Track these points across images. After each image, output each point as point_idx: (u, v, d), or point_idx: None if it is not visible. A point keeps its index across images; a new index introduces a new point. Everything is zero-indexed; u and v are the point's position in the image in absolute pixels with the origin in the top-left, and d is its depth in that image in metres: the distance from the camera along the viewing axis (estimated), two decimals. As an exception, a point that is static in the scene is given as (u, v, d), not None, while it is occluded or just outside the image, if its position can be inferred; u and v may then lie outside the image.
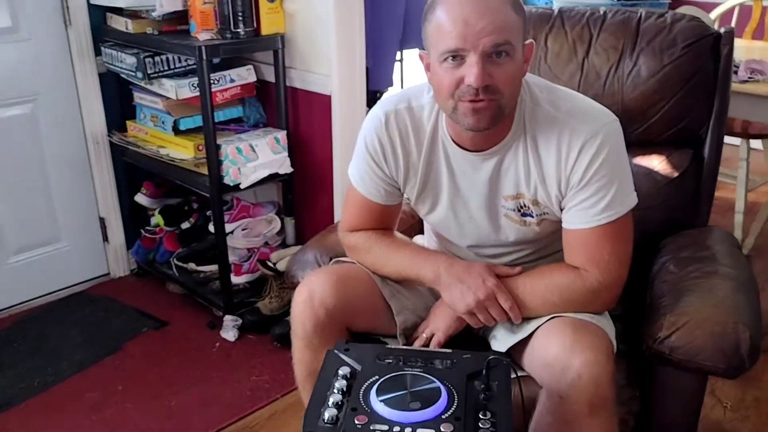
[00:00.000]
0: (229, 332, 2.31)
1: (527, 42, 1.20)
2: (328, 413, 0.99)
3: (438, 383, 1.03)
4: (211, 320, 2.40)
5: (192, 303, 2.51)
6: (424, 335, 1.35)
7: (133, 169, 2.59)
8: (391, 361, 1.12)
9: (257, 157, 2.21)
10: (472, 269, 1.29)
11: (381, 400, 1.00)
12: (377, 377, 1.06)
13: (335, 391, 1.04)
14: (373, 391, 1.02)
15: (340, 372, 1.08)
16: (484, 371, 1.05)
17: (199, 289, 2.47)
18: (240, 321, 2.33)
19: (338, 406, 1.01)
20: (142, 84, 2.28)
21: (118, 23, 2.33)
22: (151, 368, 2.17)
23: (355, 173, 1.40)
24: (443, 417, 0.97)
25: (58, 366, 2.18)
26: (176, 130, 2.29)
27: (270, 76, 2.32)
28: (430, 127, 1.31)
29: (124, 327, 2.40)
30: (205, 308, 2.45)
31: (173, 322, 2.43)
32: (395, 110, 1.32)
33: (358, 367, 1.10)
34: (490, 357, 1.06)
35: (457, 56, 1.13)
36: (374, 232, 1.42)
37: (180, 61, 2.24)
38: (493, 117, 1.16)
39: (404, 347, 1.18)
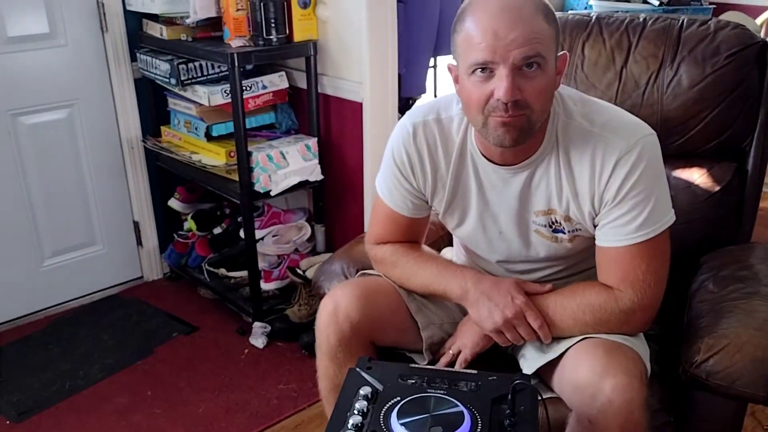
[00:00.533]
0: (258, 339, 2.31)
1: (561, 53, 1.16)
2: (347, 436, 0.96)
3: (461, 407, 1.00)
4: (240, 326, 2.40)
5: (222, 308, 2.51)
6: (451, 352, 1.32)
7: (166, 175, 2.61)
8: (414, 381, 1.09)
9: (288, 164, 2.20)
10: (500, 286, 1.25)
11: (402, 424, 0.97)
12: (399, 398, 1.03)
13: (355, 412, 1.01)
14: (394, 414, 0.99)
15: (361, 392, 1.05)
16: (509, 395, 1.01)
17: (229, 294, 2.47)
18: (269, 328, 2.33)
19: (358, 428, 0.98)
20: (176, 90, 2.29)
21: (154, 29, 2.34)
22: (180, 373, 2.18)
23: (383, 185, 1.37)
24: (466, 443, 0.94)
25: (89, 369, 2.20)
26: (209, 137, 2.30)
27: (302, 82, 2.31)
28: (459, 139, 1.28)
29: (155, 331, 2.41)
30: (235, 314, 2.45)
31: (203, 327, 2.43)
32: (423, 122, 1.30)
33: (379, 387, 1.07)
34: (516, 381, 1.02)
35: (486, 69, 1.09)
36: (401, 245, 1.39)
37: (213, 68, 2.25)
38: (522, 132, 1.13)
39: (428, 367, 1.15)
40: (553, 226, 1.26)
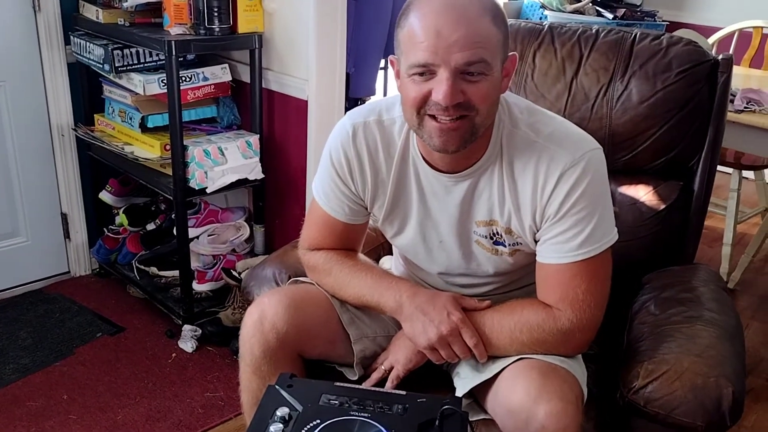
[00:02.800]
0: (187, 342, 2.20)
1: (510, 54, 1.10)
2: (258, 462, 0.88)
3: (385, 432, 0.93)
4: (169, 328, 2.28)
5: (152, 309, 2.39)
6: (383, 368, 1.26)
7: (98, 165, 2.47)
8: (337, 402, 1.01)
9: (226, 161, 2.10)
10: (436, 301, 1.19)
11: (319, 450, 0.89)
12: (318, 422, 0.95)
13: (270, 435, 0.93)
14: (311, 439, 0.91)
15: (278, 413, 0.97)
16: (437, 421, 0.94)
17: (159, 294, 2.35)
18: (200, 331, 2.22)
19: (270, 454, 0.90)
20: (110, 77, 2.17)
21: (90, 12, 2.22)
22: (101, 377, 2.05)
23: (319, 188, 1.30)
24: (386, 474, 0.87)
25: (2, 370, 2.05)
26: (144, 128, 2.18)
27: (246, 76, 2.21)
28: (401, 143, 1.21)
29: (78, 330, 2.28)
30: (165, 315, 2.33)
31: (130, 328, 2.31)
32: (364, 123, 1.22)
33: (299, 408, 0.99)
34: (445, 405, 0.96)
35: (426, 72, 1.03)
36: (336, 253, 1.32)
37: (151, 56, 2.13)
38: (464, 138, 1.07)
39: (353, 386, 1.08)
40: (494, 238, 1.20)
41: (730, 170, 2.66)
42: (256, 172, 2.21)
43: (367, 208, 1.28)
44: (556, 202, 1.10)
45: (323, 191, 1.29)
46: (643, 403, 1.13)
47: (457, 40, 1.00)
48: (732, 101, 2.22)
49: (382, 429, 0.93)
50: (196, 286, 2.28)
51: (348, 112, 1.27)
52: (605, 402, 1.27)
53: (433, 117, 1.06)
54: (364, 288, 1.26)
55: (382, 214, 1.27)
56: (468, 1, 1.02)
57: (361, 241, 1.37)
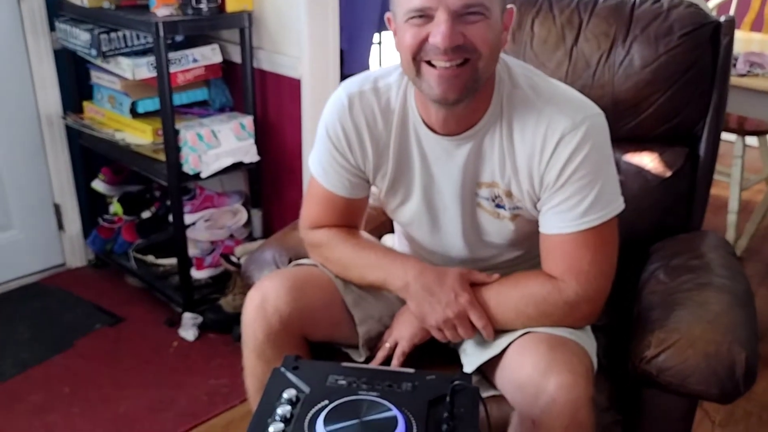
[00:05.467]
0: (188, 331, 2.17)
1: (508, 7, 1.06)
2: (266, 447, 0.85)
3: (395, 410, 0.90)
4: (169, 317, 2.25)
5: (151, 298, 2.36)
6: (388, 345, 1.23)
7: (90, 154, 2.43)
8: (344, 382, 0.98)
9: (220, 144, 2.06)
10: (444, 280, 1.15)
11: (329, 431, 0.86)
12: (326, 402, 0.93)
13: (277, 418, 0.91)
14: (320, 420, 0.89)
15: (285, 395, 0.95)
16: (448, 397, 0.92)
17: (157, 283, 2.32)
18: (200, 319, 2.19)
19: (279, 437, 0.87)
20: (97, 62, 2.12)
21: (74, -4, 2.16)
22: (101, 369, 2.03)
23: (317, 164, 1.26)
24: (398, 452, 0.84)
25: (1, 365, 2.02)
26: (134, 113, 2.14)
27: (237, 56, 2.16)
28: (398, 106, 1.17)
29: (76, 322, 2.25)
30: (164, 304, 2.30)
31: (129, 318, 2.28)
32: (360, 92, 1.18)
33: (306, 390, 0.96)
34: (456, 381, 0.93)
35: (423, 15, 0.99)
36: (339, 230, 1.28)
37: (138, 39, 2.08)
38: (465, 86, 1.03)
39: (360, 366, 1.05)
40: (495, 201, 1.17)
41: (733, 138, 2.63)
42: (251, 155, 2.17)
43: (368, 181, 1.25)
44: (556, 168, 1.07)
45: (322, 167, 1.25)
46: (656, 372, 1.11)
47: None
48: (734, 65, 2.19)
49: (392, 407, 0.91)
50: (195, 273, 2.25)
51: (342, 83, 1.22)
52: (617, 373, 1.25)
53: (431, 64, 1.02)
54: (368, 266, 1.23)
55: (385, 185, 1.23)
56: None
57: (362, 218, 1.34)
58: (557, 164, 1.07)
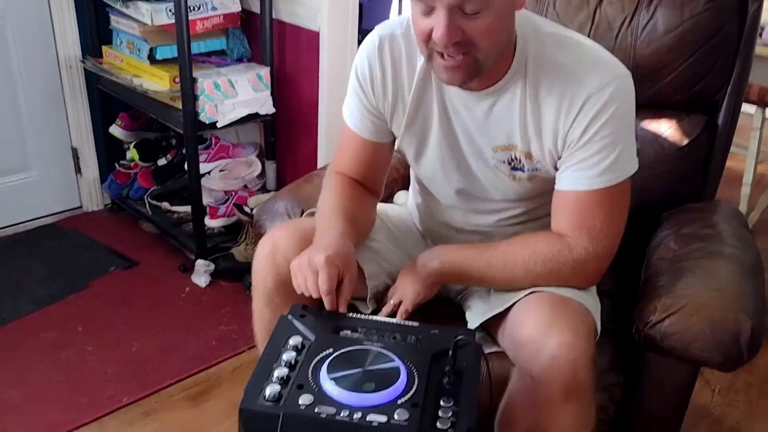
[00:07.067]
0: (200, 277, 2.20)
1: None
2: (270, 389, 0.87)
3: (398, 362, 0.92)
4: (182, 263, 2.28)
5: (165, 244, 2.39)
6: (392, 302, 1.24)
7: (108, 99, 2.43)
8: (349, 333, 1.00)
9: (236, 94, 2.06)
10: (315, 252, 1.09)
11: (332, 378, 0.89)
12: (331, 351, 0.94)
13: (282, 363, 0.93)
14: (324, 368, 0.91)
15: (291, 342, 0.97)
16: (450, 351, 0.93)
17: (172, 230, 2.35)
18: (212, 266, 2.22)
19: (283, 381, 0.89)
20: (117, 6, 2.11)
21: (95, -62, 2.14)
22: (115, 310, 2.07)
23: (346, 105, 1.28)
24: (399, 402, 0.86)
25: (17, 302, 2.07)
26: (152, 59, 2.13)
27: (256, 6, 2.14)
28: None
29: (91, 264, 2.29)
30: (178, 251, 2.34)
31: (143, 262, 2.31)
32: (391, 35, 1.19)
33: (311, 338, 0.98)
34: (459, 336, 0.94)
35: (426, 7, 0.99)
36: (343, 180, 1.28)
37: (158, -17, 2.06)
38: (468, 74, 1.04)
39: (365, 317, 1.07)
40: (512, 163, 1.17)
41: (752, 110, 2.58)
42: (267, 107, 2.17)
43: (388, 124, 1.25)
44: (581, 126, 1.06)
45: (349, 108, 1.27)
46: (660, 337, 1.11)
47: None
48: (761, 34, 2.14)
49: (396, 358, 0.92)
50: (209, 222, 2.28)
51: (377, 26, 1.23)
52: (620, 338, 1.27)
53: (440, 53, 1.03)
54: (318, 218, 1.23)
55: (401, 130, 1.23)
56: None
57: (384, 170, 1.34)
58: (583, 122, 1.06)
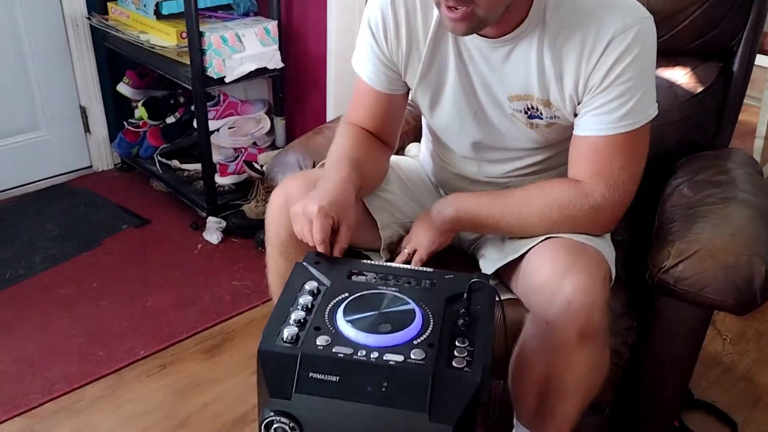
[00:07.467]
0: (212, 234, 2.21)
1: None
2: (288, 331, 0.88)
3: (413, 305, 0.93)
4: (194, 221, 2.29)
5: (176, 202, 2.40)
6: (406, 251, 1.24)
7: (115, 57, 2.42)
8: (364, 278, 1.01)
9: (244, 48, 2.04)
10: (311, 201, 1.08)
11: (348, 321, 0.89)
12: (347, 295, 0.95)
13: (299, 307, 0.93)
14: (340, 310, 0.91)
15: (307, 287, 0.97)
16: (465, 294, 0.94)
17: (182, 188, 2.35)
18: (224, 224, 2.23)
19: (300, 324, 0.90)
20: (122, -40, 2.08)
21: None
22: (128, 266, 2.09)
23: (357, 56, 1.26)
24: (415, 342, 0.87)
25: (32, 259, 2.09)
26: (158, 15, 2.11)
27: (262, -42, 2.11)
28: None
29: (103, 222, 2.30)
30: (189, 209, 2.34)
31: (155, 220, 2.33)
32: None
33: (327, 283, 0.99)
34: (474, 279, 0.95)
35: None
36: (359, 133, 1.27)
37: (163, -64, 2.03)
38: (470, 26, 1.02)
39: (380, 264, 1.07)
40: (530, 112, 1.15)
41: (766, 62, 2.54)
42: (275, 61, 2.15)
43: (401, 76, 1.24)
44: (603, 69, 1.05)
45: (361, 59, 1.25)
46: (673, 282, 1.12)
47: None
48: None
49: (411, 302, 0.93)
50: (219, 179, 2.28)
51: None
52: (633, 284, 1.27)
53: (445, 4, 1.01)
54: (326, 164, 1.22)
55: (415, 81, 1.22)
56: None
57: (397, 124, 1.32)
58: (605, 65, 1.05)
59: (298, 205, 1.09)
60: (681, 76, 1.48)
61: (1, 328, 1.81)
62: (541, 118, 1.15)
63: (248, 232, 2.22)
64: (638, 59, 1.04)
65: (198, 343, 1.80)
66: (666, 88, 1.48)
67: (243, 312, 1.91)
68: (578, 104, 1.11)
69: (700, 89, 1.47)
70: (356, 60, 1.26)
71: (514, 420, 1.21)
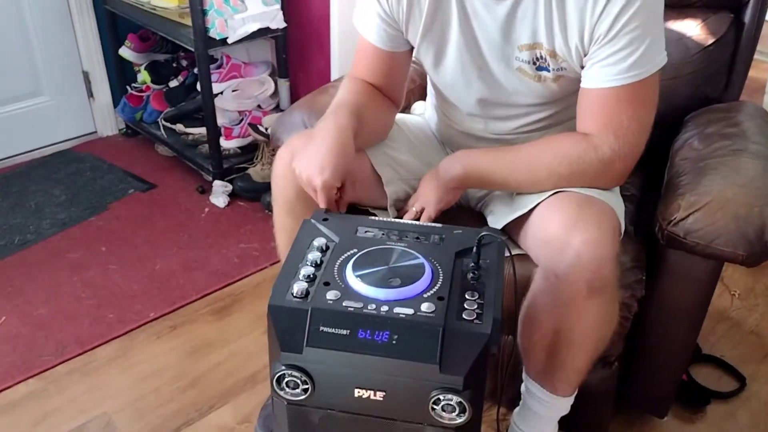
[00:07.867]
0: (218, 198, 2.21)
1: None
2: (298, 286, 0.88)
3: (422, 259, 0.92)
4: (200, 185, 2.29)
5: (181, 166, 2.40)
6: (414, 209, 1.23)
7: (116, 20, 2.39)
8: (372, 234, 1.01)
9: (246, 8, 2.01)
10: (314, 165, 1.08)
11: (357, 275, 0.89)
12: (356, 250, 0.95)
13: (308, 263, 0.93)
14: (349, 266, 0.92)
15: (315, 243, 0.97)
16: (474, 248, 0.93)
17: (187, 152, 2.34)
18: (230, 187, 2.23)
19: (310, 279, 0.90)
20: None
21: None
22: (136, 230, 2.09)
23: (358, 13, 1.24)
24: (425, 296, 0.87)
25: (40, 224, 2.10)
26: (159, -25, 2.08)
27: None
28: None
29: (110, 187, 2.30)
30: (195, 172, 2.34)
31: (161, 185, 2.33)
32: None
33: (335, 239, 0.99)
34: (483, 233, 0.94)
35: None
36: (363, 85, 1.25)
37: None
38: None
39: (389, 220, 1.07)
40: (537, 63, 1.13)
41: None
42: (277, 21, 2.12)
43: (403, 33, 1.22)
44: (608, 19, 1.02)
45: (362, 17, 1.23)
46: (683, 234, 1.11)
47: None
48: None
49: (420, 256, 0.93)
50: (224, 143, 2.27)
51: None
52: (642, 238, 1.27)
53: None
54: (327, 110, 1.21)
55: (417, 38, 1.20)
56: None
57: (402, 81, 1.31)
58: (610, 15, 1.02)
59: (302, 164, 1.09)
60: (692, 27, 1.46)
61: (13, 292, 1.83)
62: (549, 70, 1.13)
63: (255, 195, 2.22)
64: (644, 7, 1.01)
65: (207, 305, 1.81)
66: (677, 41, 1.45)
67: (251, 274, 1.92)
68: (584, 56, 1.08)
69: (711, 41, 1.44)
70: (358, 17, 1.24)
71: (524, 374, 1.22)
